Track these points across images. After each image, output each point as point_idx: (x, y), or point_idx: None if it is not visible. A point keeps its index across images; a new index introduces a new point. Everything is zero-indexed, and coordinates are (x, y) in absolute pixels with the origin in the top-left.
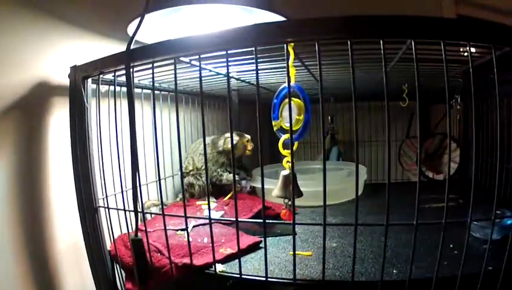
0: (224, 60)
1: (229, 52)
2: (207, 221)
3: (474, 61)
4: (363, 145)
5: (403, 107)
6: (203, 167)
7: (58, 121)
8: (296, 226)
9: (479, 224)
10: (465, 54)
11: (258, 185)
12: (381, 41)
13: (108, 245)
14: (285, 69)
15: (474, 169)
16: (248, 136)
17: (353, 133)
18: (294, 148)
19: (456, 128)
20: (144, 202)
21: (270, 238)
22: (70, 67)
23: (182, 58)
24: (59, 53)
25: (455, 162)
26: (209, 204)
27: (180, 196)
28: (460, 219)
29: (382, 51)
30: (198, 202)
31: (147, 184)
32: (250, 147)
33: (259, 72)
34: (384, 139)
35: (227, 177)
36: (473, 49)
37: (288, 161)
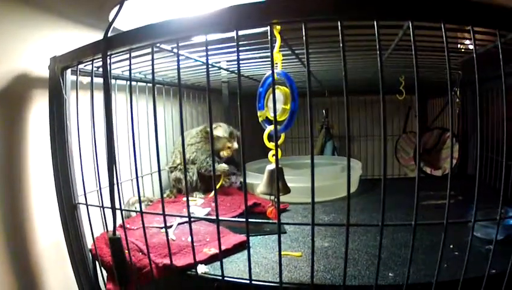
0: (210, 47)
1: (216, 39)
2: (191, 219)
3: (472, 51)
4: (358, 140)
5: (399, 102)
6: (191, 158)
7: (38, 114)
8: (286, 224)
9: (481, 224)
10: (466, 41)
11: (248, 180)
12: (375, 23)
13: (90, 244)
14: (271, 60)
15: (478, 167)
16: (235, 145)
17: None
18: (281, 140)
19: (454, 122)
20: (129, 198)
21: (258, 237)
22: (50, 58)
23: (163, 46)
24: (40, 44)
25: (454, 157)
26: (187, 201)
27: (168, 191)
28: (462, 219)
29: (376, 33)
30: (185, 198)
31: (131, 180)
32: (226, 153)
33: (248, 61)
34: (380, 134)
35: (217, 167)
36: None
37: (273, 155)
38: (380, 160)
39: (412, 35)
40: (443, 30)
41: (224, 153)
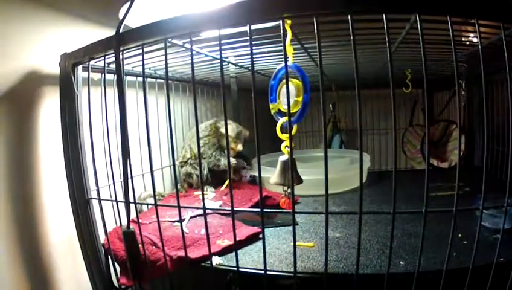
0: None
1: (224, 34)
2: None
3: (476, 44)
4: (365, 134)
5: (405, 95)
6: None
7: (49, 111)
8: (298, 216)
9: (488, 212)
10: (471, 34)
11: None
12: (384, 16)
13: (102, 238)
14: (284, 53)
15: (484, 157)
16: (239, 147)
17: (356, 121)
18: (293, 131)
19: (460, 115)
20: (140, 193)
21: (270, 229)
22: (61, 55)
23: (174, 41)
24: (50, 41)
25: (460, 149)
26: (202, 192)
27: (179, 186)
28: (470, 207)
29: (385, 26)
30: (196, 192)
31: (143, 174)
32: (231, 152)
33: (257, 56)
34: (387, 127)
35: (225, 162)
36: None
37: (286, 146)
38: (387, 153)
39: (419, 28)
40: (449, 23)
41: (234, 148)
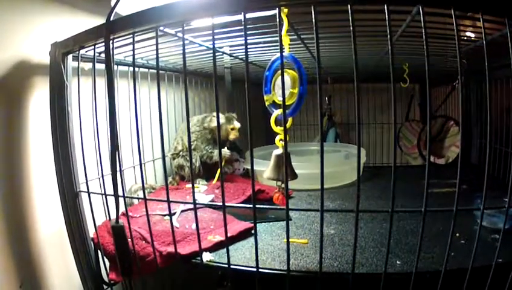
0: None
1: (218, 22)
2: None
3: (477, 40)
4: (361, 128)
5: (401, 89)
6: (192, 147)
7: (39, 101)
8: (292, 211)
9: (487, 212)
10: (468, 31)
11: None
12: (385, 6)
13: (92, 232)
14: (279, 43)
15: (487, 157)
16: (236, 125)
17: (351, 115)
18: (288, 124)
19: (458, 111)
20: (131, 186)
21: (263, 224)
22: (51, 44)
23: (167, 30)
24: (39, 31)
25: (457, 146)
26: (193, 187)
27: (170, 178)
28: (471, 207)
29: (387, 18)
30: (188, 185)
31: (134, 167)
32: (233, 135)
33: (251, 46)
34: (383, 121)
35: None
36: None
37: (281, 139)
38: (382, 147)
39: (422, 21)
40: (453, 16)
41: (231, 136)
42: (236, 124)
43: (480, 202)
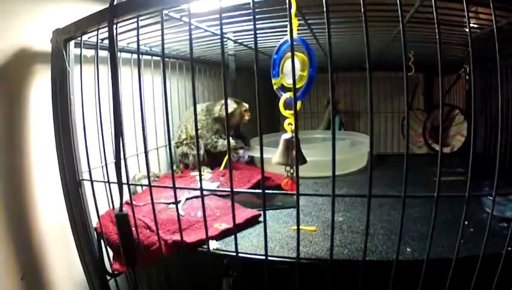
0: (218, 17)
1: (224, 7)
2: (200, 193)
3: (483, 28)
4: (366, 116)
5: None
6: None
7: (41, 89)
8: (306, 195)
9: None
10: (473, 18)
11: (256, 154)
12: None
13: (95, 222)
14: (286, 29)
15: (498, 146)
16: (246, 105)
17: (354, 103)
18: (298, 107)
19: (463, 100)
20: (134, 174)
21: (270, 211)
22: (53, 31)
23: (172, 14)
24: (41, 18)
25: (462, 135)
26: (200, 172)
27: (175, 167)
28: (483, 193)
29: (398, 1)
30: (192, 173)
31: (137, 155)
32: (247, 116)
33: (257, 32)
34: (387, 110)
35: (223, 143)
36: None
37: (290, 124)
38: (386, 136)
39: (434, 5)
40: (464, 2)
41: (246, 118)
42: (246, 105)
43: (488, 190)
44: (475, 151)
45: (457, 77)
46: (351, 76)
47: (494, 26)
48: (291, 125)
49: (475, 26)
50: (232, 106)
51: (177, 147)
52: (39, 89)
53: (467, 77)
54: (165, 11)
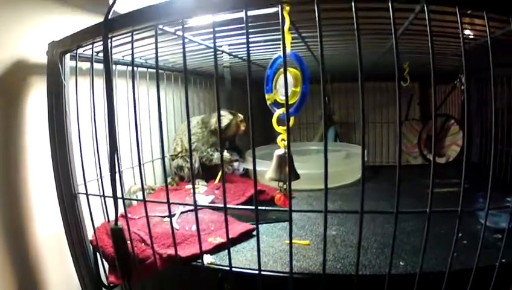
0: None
1: (218, 21)
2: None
3: (477, 39)
4: (360, 126)
5: (401, 88)
6: (193, 148)
7: (36, 102)
8: (298, 212)
9: (490, 212)
10: (468, 28)
11: (251, 167)
12: (390, 5)
13: (90, 234)
14: (280, 42)
15: (491, 158)
16: (241, 116)
17: (350, 114)
18: (291, 124)
19: (458, 110)
20: (130, 187)
21: (264, 225)
22: (48, 43)
23: (166, 29)
24: (37, 30)
25: (458, 145)
26: (193, 188)
27: (170, 179)
28: (476, 208)
29: (391, 16)
30: (187, 186)
31: (133, 167)
32: (243, 127)
33: (252, 45)
34: (382, 120)
35: (219, 156)
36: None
37: (283, 139)
38: (382, 146)
39: (427, 19)
40: (458, 15)
41: (242, 128)
42: (241, 115)
43: (482, 202)
44: (471, 160)
45: (452, 87)
46: (346, 86)
47: (488, 37)
48: (285, 141)
49: (470, 36)
50: (228, 117)
51: (172, 160)
52: (35, 101)
53: (462, 87)
54: (159, 26)
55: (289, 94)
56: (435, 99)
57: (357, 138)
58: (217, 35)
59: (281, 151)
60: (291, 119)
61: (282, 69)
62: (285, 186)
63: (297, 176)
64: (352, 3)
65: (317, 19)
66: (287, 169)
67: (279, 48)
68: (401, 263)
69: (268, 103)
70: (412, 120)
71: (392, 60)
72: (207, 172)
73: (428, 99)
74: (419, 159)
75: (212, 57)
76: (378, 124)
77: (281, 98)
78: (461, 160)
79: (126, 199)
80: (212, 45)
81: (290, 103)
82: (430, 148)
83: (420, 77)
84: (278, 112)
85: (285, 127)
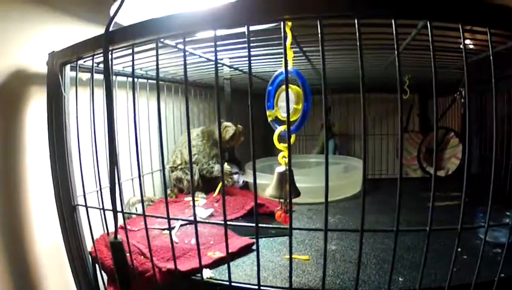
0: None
1: (219, 34)
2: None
3: (476, 54)
4: (360, 139)
5: (400, 100)
6: (193, 160)
7: (36, 112)
8: (298, 229)
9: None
10: (469, 43)
11: (251, 179)
12: (393, 21)
13: (90, 246)
14: (281, 56)
15: (492, 174)
16: (240, 127)
17: (349, 126)
18: (292, 141)
19: (458, 122)
20: (129, 198)
21: (263, 239)
22: (49, 54)
23: (167, 42)
24: (37, 39)
25: (457, 158)
26: (193, 203)
27: (169, 191)
28: (475, 226)
29: (394, 32)
30: (187, 198)
31: (132, 179)
32: (242, 138)
33: (253, 58)
34: (382, 133)
35: (219, 169)
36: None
37: (284, 157)
38: (381, 158)
39: (430, 35)
40: (461, 31)
41: (241, 139)
42: (240, 126)
43: (482, 216)
44: (470, 172)
45: (452, 100)
46: (346, 97)
47: (491, 52)
48: (286, 158)
49: (472, 50)
50: (232, 127)
51: (172, 172)
52: (35, 111)
53: (462, 100)
54: (160, 39)
55: (290, 111)
56: (436, 114)
57: (356, 150)
58: (217, 48)
59: (281, 168)
60: (292, 136)
61: (283, 86)
62: (285, 203)
63: (298, 194)
64: (355, 20)
65: (319, 35)
66: (287, 186)
67: (280, 61)
68: (400, 278)
69: (269, 119)
70: (412, 132)
71: (392, 73)
72: (206, 184)
73: (428, 111)
74: (418, 172)
75: (213, 69)
76: (378, 136)
77: (283, 115)
78: (461, 172)
79: (126, 212)
80: (212, 58)
81: (291, 120)
82: (429, 161)
83: (420, 88)
84: (279, 129)
85: (286, 144)
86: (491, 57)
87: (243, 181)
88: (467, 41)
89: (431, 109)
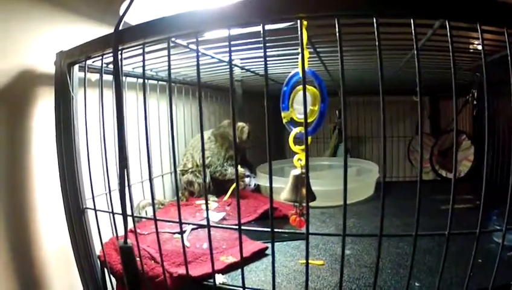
0: (226, 43)
1: (232, 35)
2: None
3: (489, 54)
4: (370, 141)
5: (412, 103)
6: (206, 163)
7: (44, 113)
8: (315, 235)
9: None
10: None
11: (262, 183)
12: (412, 21)
13: (98, 250)
14: (293, 57)
15: (511, 178)
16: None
17: (360, 128)
18: (308, 143)
19: (469, 125)
20: (139, 201)
21: (277, 243)
22: (56, 54)
23: (178, 41)
24: (45, 39)
25: (469, 160)
26: (206, 207)
27: (180, 194)
28: (494, 229)
29: (413, 31)
30: (198, 202)
31: (142, 182)
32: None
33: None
34: (393, 135)
35: (232, 172)
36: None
37: (300, 159)
38: (392, 161)
39: (449, 35)
40: (479, 31)
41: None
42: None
43: (496, 219)
44: (481, 176)
45: (465, 102)
46: (357, 100)
47: (509, 52)
48: (301, 161)
49: (486, 50)
50: (247, 127)
51: (182, 175)
52: (42, 112)
53: (475, 102)
54: (172, 38)
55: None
56: (456, 116)
57: (367, 152)
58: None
59: (297, 171)
60: (308, 139)
61: (299, 87)
62: (301, 207)
63: (314, 198)
64: (374, 20)
65: (337, 34)
66: (303, 190)
67: (293, 62)
68: (416, 283)
69: (284, 121)
70: (424, 134)
71: (404, 75)
72: (217, 187)
73: (439, 113)
74: (430, 175)
75: (224, 70)
76: (389, 139)
77: (298, 116)
78: (472, 175)
79: (136, 216)
80: (224, 59)
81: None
82: (442, 164)
83: (430, 90)
84: (295, 130)
85: (302, 147)
86: (509, 58)
87: (255, 184)
88: (476, 42)
89: (442, 111)
